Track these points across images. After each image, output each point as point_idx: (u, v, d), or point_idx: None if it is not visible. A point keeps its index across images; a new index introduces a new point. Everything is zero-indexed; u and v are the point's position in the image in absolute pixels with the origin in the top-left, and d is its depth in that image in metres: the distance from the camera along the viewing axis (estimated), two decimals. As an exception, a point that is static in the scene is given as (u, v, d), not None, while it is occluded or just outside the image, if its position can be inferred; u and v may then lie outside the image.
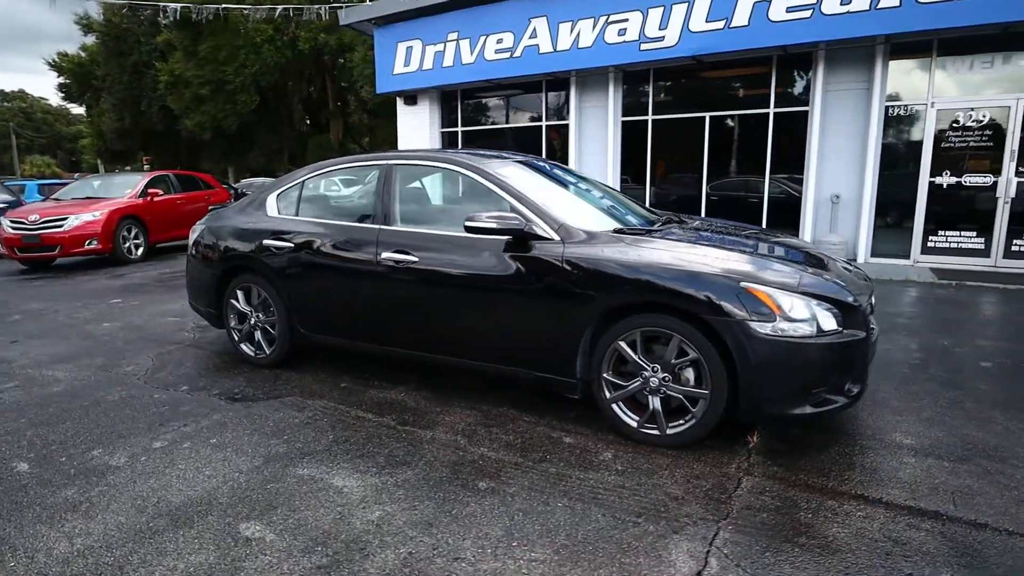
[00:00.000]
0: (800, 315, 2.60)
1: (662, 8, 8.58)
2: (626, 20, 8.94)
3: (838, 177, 8.37)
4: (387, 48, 11.67)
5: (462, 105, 12.07)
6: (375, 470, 2.70)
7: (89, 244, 8.99)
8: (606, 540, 2.17)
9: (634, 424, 2.92)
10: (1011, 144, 7.23)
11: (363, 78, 26.94)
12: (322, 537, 2.20)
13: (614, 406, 2.96)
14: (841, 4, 7.32)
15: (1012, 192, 7.29)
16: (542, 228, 3.06)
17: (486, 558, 2.08)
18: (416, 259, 3.34)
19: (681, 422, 2.83)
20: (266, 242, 3.89)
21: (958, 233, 7.77)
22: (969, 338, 4.72)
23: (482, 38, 10.40)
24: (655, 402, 2.85)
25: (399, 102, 12.50)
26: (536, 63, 9.96)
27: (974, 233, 7.66)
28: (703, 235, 3.31)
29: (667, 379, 2.80)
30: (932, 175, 7.74)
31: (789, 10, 7.65)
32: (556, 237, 3.02)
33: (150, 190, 10.15)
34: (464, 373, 3.88)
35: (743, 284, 2.63)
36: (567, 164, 10.69)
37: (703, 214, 9.52)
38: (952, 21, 6.85)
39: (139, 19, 31.88)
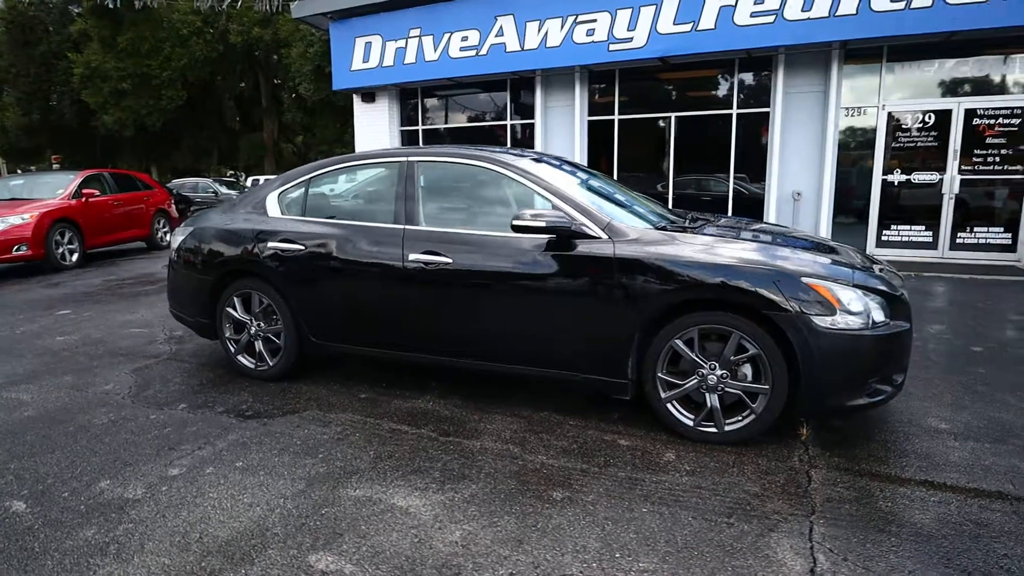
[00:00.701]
0: (856, 308, 2.63)
1: (630, 10, 8.68)
2: (594, 20, 9.00)
3: (799, 175, 8.75)
4: (344, 43, 11.25)
5: (423, 103, 11.81)
6: (435, 486, 2.52)
7: (18, 250, 8.12)
8: (707, 544, 2.11)
9: (690, 423, 2.88)
10: (954, 144, 7.78)
11: (302, 75, 25.97)
12: (408, 564, 2.02)
13: (669, 405, 2.90)
14: (802, 10, 7.65)
15: (956, 188, 7.84)
16: (588, 227, 2.97)
17: (595, 572, 1.96)
18: (449, 260, 3.17)
19: (739, 418, 2.81)
20: (271, 245, 3.60)
21: (908, 227, 8.30)
22: (952, 325, 5.01)
23: (446, 35, 10.19)
24: (712, 399, 2.82)
25: (356, 100, 12.08)
26: (503, 61, 9.86)
27: (923, 227, 8.20)
28: (742, 232, 3.31)
29: (725, 376, 2.78)
30: (884, 173, 8.22)
31: (753, 15, 7.91)
32: (604, 236, 2.94)
33: (84, 190, 9.30)
34: (489, 378, 3.74)
35: (804, 279, 2.64)
36: (532, 163, 10.65)
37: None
38: (902, 29, 7.29)
39: (47, 6, 29.41)
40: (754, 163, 9.11)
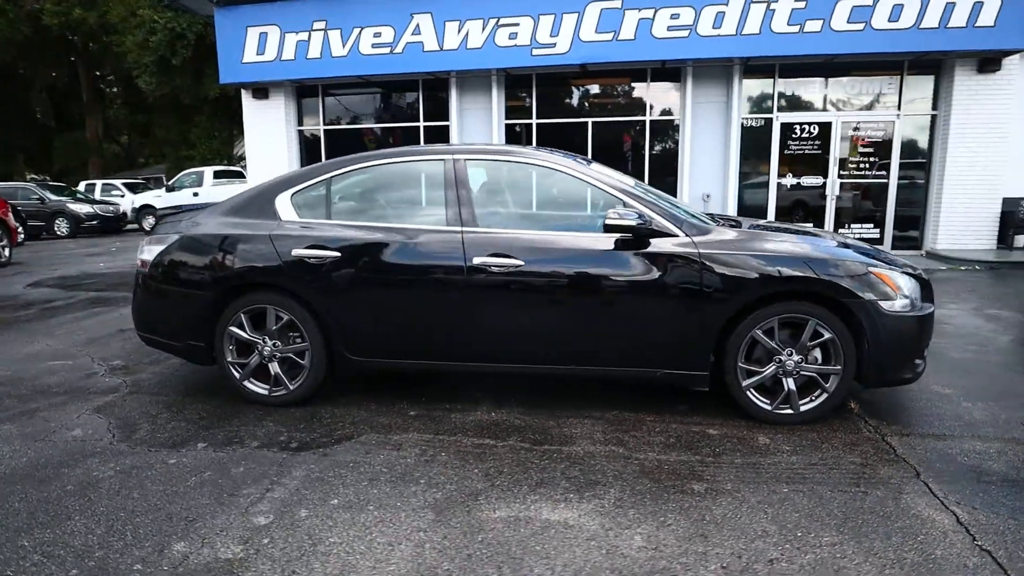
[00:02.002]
0: (909, 292, 2.97)
1: (553, 16, 8.91)
2: (517, 24, 9.10)
3: (707, 179, 9.58)
4: (232, 32, 10.21)
5: (325, 101, 11.09)
6: (574, 496, 2.41)
7: None
8: (861, 512, 2.25)
9: (768, 407, 3.04)
10: (834, 152, 9.03)
11: (141, 67, 23.03)
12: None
13: (749, 393, 3.05)
14: (713, 27, 8.40)
15: (836, 191, 9.11)
16: (663, 225, 3.02)
17: (795, 553, 2.01)
18: (521, 262, 3.04)
19: (810, 399, 3.03)
20: (297, 252, 3.18)
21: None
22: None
23: (356, 30, 9.68)
24: (789, 383, 3.00)
25: (245, 96, 11.03)
26: (420, 61, 9.60)
27: (810, 226, 9.39)
28: (785, 229, 3.55)
29: (801, 361, 2.98)
30: (779, 177, 9.30)
31: (670, 28, 8.53)
32: (680, 233, 3.01)
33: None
34: (536, 385, 3.64)
35: (872, 269, 2.92)
36: (449, 166, 10.49)
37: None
38: (796, 50, 8.32)
39: None
40: (667, 167, 9.81)
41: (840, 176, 9.11)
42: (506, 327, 3.12)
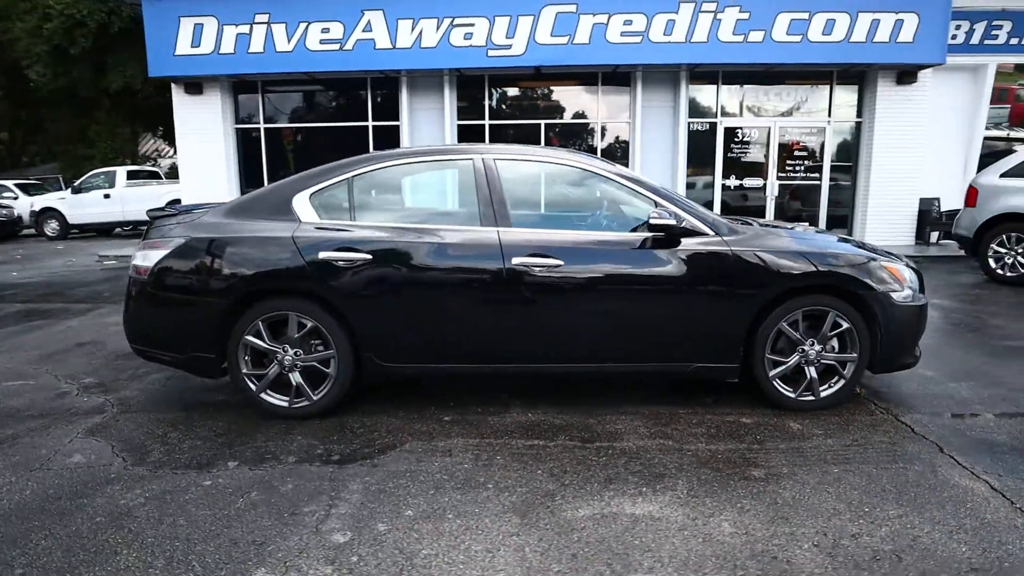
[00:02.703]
0: (911, 283, 3.25)
1: (509, 17, 8.96)
2: (472, 25, 9.06)
3: (656, 181, 9.91)
4: (163, 23, 9.50)
5: (265, 98, 10.55)
6: (646, 490, 2.45)
7: None
8: (909, 485, 2.44)
9: (792, 395, 3.22)
10: (772, 156, 9.65)
11: (32, 56, 20.88)
12: (724, 563, 1.97)
13: (775, 382, 3.22)
14: (664, 34, 8.75)
15: (775, 192, 9.75)
16: (695, 225, 3.13)
17: (871, 527, 2.15)
18: (560, 262, 3.05)
19: (828, 386, 3.24)
20: (325, 255, 3.02)
21: (741, 223, 10.04)
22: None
23: (303, 24, 9.29)
24: (811, 371, 3.20)
25: (176, 91, 10.30)
26: (371, 59, 9.35)
27: (807, 224, 9.98)
28: (791, 228, 3.76)
29: (821, 350, 3.19)
30: (723, 178, 9.82)
31: (623, 34, 8.80)
32: (711, 232, 3.13)
33: None
34: (558, 384, 3.67)
35: (882, 263, 3.17)
36: (400, 167, 10.30)
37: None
38: (739, 58, 8.82)
39: None
40: (619, 169, 10.10)
41: (779, 178, 9.76)
42: (545, 327, 3.12)
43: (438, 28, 9.11)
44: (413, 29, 9.15)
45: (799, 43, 8.54)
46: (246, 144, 10.72)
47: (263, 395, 3.16)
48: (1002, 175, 6.56)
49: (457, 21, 9.07)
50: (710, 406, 3.33)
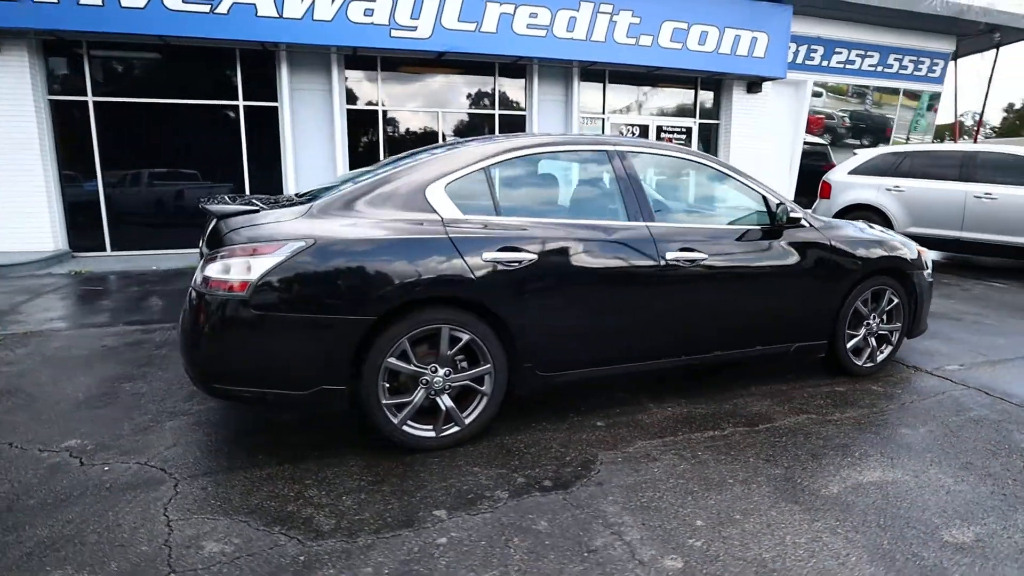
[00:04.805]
0: (929, 263, 3.98)
1: (413, -3, 8.44)
2: (373, 0, 8.34)
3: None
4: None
5: (92, 64, 8.45)
6: (853, 460, 2.67)
7: None
8: (978, 440, 2.91)
9: (859, 363, 3.73)
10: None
11: None
12: (976, 510, 2.29)
13: (850, 354, 3.69)
14: (566, 30, 9.05)
15: (653, 183, 10.79)
16: (803, 217, 3.44)
17: (1010, 469, 2.68)
18: (705, 256, 3.11)
19: (881, 351, 3.82)
20: (489, 256, 2.66)
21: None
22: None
23: (161, -23, 7.61)
24: (872, 341, 3.75)
25: (-42, 45, 7.69)
26: (250, 27, 8.08)
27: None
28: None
29: (880, 323, 3.75)
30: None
31: (529, 26, 8.90)
32: (807, 223, 3.47)
33: None
34: (658, 374, 3.72)
35: (917, 248, 3.83)
36: (279, 152, 9.18)
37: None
38: (631, 59, 9.52)
39: None
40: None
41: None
42: (691, 321, 3.17)
43: (333, 0, 8.21)
44: (303, -1, 8.11)
45: (680, 50, 9.54)
46: (66, 120, 8.48)
47: (404, 427, 2.68)
48: (849, 172, 8.18)
49: (355, -6, 8.28)
50: (801, 380, 3.69)
